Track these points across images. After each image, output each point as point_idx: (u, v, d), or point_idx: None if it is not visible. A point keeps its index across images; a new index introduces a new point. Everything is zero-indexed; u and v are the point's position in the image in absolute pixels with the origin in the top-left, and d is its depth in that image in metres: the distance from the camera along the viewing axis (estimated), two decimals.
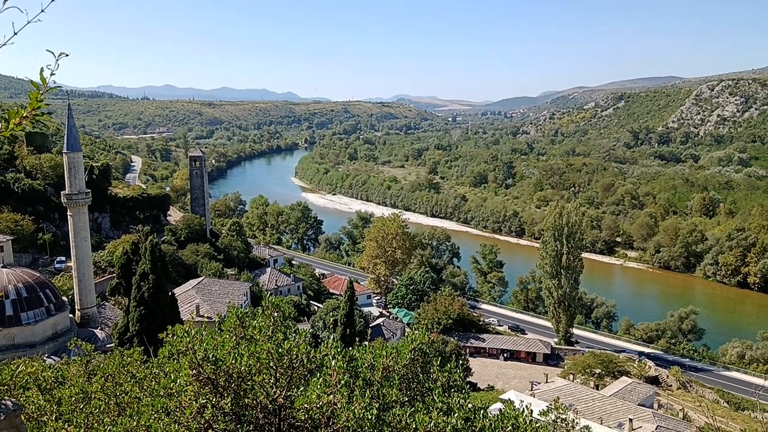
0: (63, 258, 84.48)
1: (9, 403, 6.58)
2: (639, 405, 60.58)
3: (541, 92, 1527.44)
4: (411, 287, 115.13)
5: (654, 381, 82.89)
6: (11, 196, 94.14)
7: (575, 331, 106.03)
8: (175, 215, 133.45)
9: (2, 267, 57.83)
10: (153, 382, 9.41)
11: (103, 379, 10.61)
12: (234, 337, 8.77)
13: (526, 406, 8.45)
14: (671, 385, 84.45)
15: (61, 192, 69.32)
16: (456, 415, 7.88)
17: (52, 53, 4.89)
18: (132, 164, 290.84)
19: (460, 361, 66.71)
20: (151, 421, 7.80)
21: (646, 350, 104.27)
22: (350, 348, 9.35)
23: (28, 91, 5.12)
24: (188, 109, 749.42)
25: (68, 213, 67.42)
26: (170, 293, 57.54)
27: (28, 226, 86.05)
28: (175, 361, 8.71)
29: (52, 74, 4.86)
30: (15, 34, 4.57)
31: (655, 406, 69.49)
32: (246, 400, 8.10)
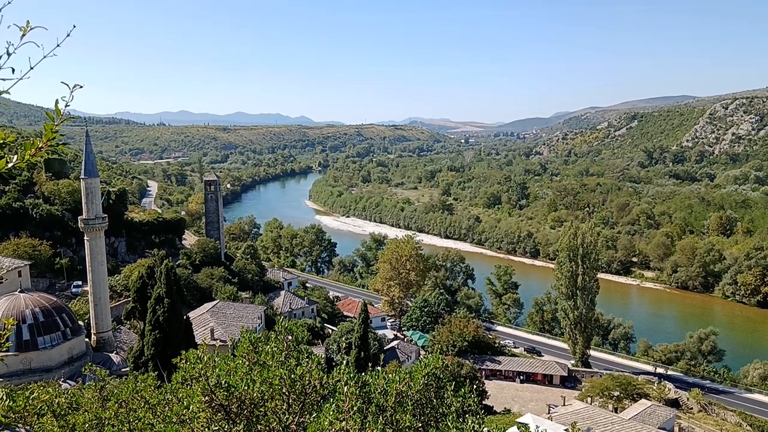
0: (80, 282, 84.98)
1: (23, 430, 6.60)
2: (659, 428, 59.44)
3: (554, 113, 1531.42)
4: (425, 309, 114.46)
5: (674, 404, 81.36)
6: (30, 222, 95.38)
7: (592, 352, 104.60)
8: (190, 239, 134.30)
9: (20, 292, 58.29)
10: (166, 408, 9.39)
11: (117, 405, 10.60)
12: (247, 363, 8.75)
13: (543, 431, 8.33)
14: (692, 408, 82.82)
15: (79, 217, 70.05)
16: None
17: (67, 85, 5.00)
18: (148, 189, 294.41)
19: (475, 384, 65.86)
20: None
21: (666, 372, 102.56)
22: (363, 373, 9.28)
23: (46, 119, 5.23)
24: (203, 134, 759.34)
25: (85, 238, 68.09)
26: (185, 317, 57.67)
27: (45, 251, 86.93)
28: (188, 387, 8.70)
29: (66, 105, 4.96)
30: (31, 68, 4.68)
31: (676, 429, 68.17)
32: (258, 427, 8.06)
